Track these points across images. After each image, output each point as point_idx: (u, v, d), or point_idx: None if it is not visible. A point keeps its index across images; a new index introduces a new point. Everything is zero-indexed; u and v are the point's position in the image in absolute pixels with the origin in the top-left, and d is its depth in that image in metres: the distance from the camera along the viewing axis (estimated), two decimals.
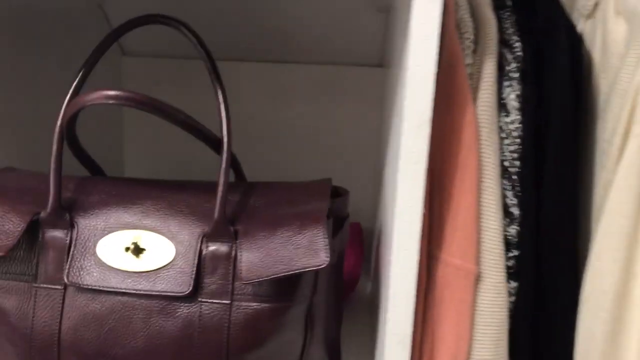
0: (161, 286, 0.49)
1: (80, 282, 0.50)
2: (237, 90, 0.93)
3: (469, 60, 0.43)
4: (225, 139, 0.51)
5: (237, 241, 0.50)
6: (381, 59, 0.93)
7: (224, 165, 0.51)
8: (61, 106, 0.52)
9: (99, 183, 0.55)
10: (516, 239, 0.46)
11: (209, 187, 0.55)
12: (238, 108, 0.90)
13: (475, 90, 0.43)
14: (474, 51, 0.44)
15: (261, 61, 0.93)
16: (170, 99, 0.96)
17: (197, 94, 0.95)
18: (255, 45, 0.90)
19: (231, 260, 0.50)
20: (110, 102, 0.44)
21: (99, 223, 0.52)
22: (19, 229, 0.49)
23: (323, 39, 0.89)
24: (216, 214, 0.50)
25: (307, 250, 0.47)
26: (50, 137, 0.50)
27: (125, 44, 0.92)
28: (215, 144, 0.52)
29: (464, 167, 0.42)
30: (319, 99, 0.95)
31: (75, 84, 0.52)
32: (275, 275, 0.47)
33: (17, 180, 0.55)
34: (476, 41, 0.44)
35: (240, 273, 0.48)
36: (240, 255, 0.49)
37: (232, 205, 0.52)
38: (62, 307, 0.50)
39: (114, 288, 0.49)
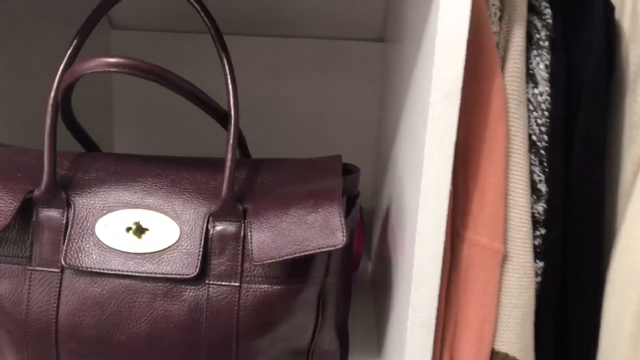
0: (165, 268, 0.46)
1: (78, 265, 0.46)
2: (235, 65, 0.89)
3: (495, 28, 0.40)
4: (232, 112, 0.48)
5: (246, 220, 0.47)
6: (382, 33, 0.90)
7: (231, 140, 0.48)
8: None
9: (97, 160, 0.51)
10: (543, 217, 0.44)
11: (214, 164, 0.52)
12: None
13: (502, 60, 0.40)
14: (500, 18, 0.41)
15: (259, 35, 0.89)
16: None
17: (188, 69, 0.91)
18: (253, 18, 0.86)
19: (240, 240, 0.47)
20: (112, 69, 0.41)
21: (97, 202, 0.48)
22: (11, 207, 0.46)
23: (323, 13, 0.86)
24: (224, 192, 0.47)
25: (323, 229, 0.45)
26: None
27: (114, 17, 0.88)
28: (221, 116, 0.49)
29: (492, 141, 0.39)
30: (318, 74, 0.92)
31: (68, 53, 0.48)
32: (289, 257, 0.44)
33: (6, 156, 0.51)
34: (502, 8, 0.41)
35: (251, 254, 0.45)
36: (250, 235, 0.46)
37: (240, 182, 0.50)
38: (59, 291, 0.47)
39: (115, 270, 0.46)
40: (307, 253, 0.44)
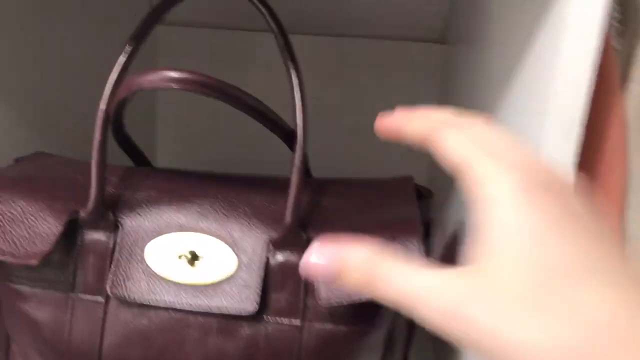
0: (221, 302, 0.42)
1: (125, 295, 0.42)
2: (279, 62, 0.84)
3: (616, 45, 0.35)
4: (300, 131, 0.43)
5: None
6: (443, 34, 0.84)
7: (297, 162, 0.43)
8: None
9: (147, 176, 0.47)
10: None
11: (275, 185, 0.47)
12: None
13: (623, 81, 0.35)
14: (622, 34, 0.35)
15: (314, 34, 0.84)
16: (208, 69, 0.89)
17: (235, 68, 0.87)
18: (309, 17, 0.81)
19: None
20: (176, 86, 0.36)
21: (147, 224, 0.44)
22: (55, 232, 0.42)
23: (380, 11, 0.80)
24: (287, 218, 0.42)
25: None
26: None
27: None
28: (287, 135, 0.44)
29: (608, 174, 0.33)
30: (372, 76, 0.86)
31: (122, 61, 0.43)
32: (361, 299, 0.39)
33: (50, 169, 0.47)
34: (625, 21, 0.35)
35: (318, 292, 0.40)
36: None
37: (303, 206, 0.44)
38: (104, 322, 0.43)
39: (165, 303, 0.42)
40: None
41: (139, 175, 0.47)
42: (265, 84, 0.84)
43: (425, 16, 0.81)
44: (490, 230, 0.22)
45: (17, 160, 0.51)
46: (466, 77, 0.66)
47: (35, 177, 0.46)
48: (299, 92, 0.43)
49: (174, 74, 0.36)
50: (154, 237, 0.43)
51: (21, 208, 0.43)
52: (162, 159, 0.91)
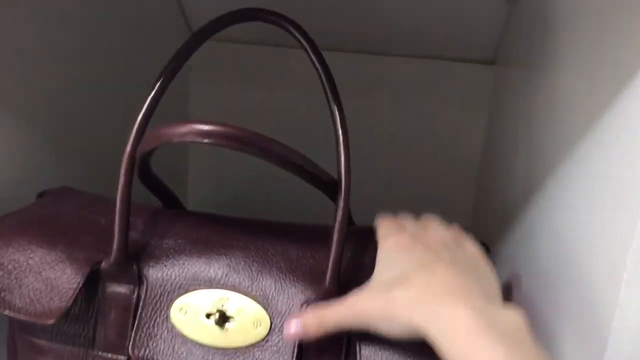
0: None
1: (148, 357, 0.38)
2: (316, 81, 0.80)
3: None
4: (343, 182, 0.38)
5: None
6: (494, 55, 0.78)
7: (339, 216, 0.38)
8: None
9: (175, 221, 0.43)
10: None
11: (314, 234, 0.43)
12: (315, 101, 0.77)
13: None
14: None
15: (356, 52, 0.79)
16: (240, 88, 0.86)
17: (272, 85, 0.83)
18: (352, 33, 0.76)
19: (343, 345, 0.38)
20: (205, 141, 0.32)
21: (174, 277, 0.40)
22: (75, 285, 0.38)
23: (428, 29, 0.75)
24: (328, 281, 0.38)
25: None
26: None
27: (194, 24, 0.80)
28: (328, 185, 0.39)
29: None
30: (416, 97, 0.81)
31: (149, 99, 0.40)
32: None
33: (72, 210, 0.44)
34: None
35: None
36: (358, 343, 0.37)
37: (344, 265, 0.40)
38: None
39: None
40: None
41: (167, 219, 0.43)
42: (299, 101, 0.80)
43: (475, 34, 0.75)
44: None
45: (40, 195, 0.48)
46: (522, 102, 0.60)
47: (56, 220, 0.42)
48: (342, 142, 0.39)
49: (203, 127, 0.32)
50: (181, 293, 0.40)
51: (39, 257, 0.39)
52: (193, 198, 0.87)
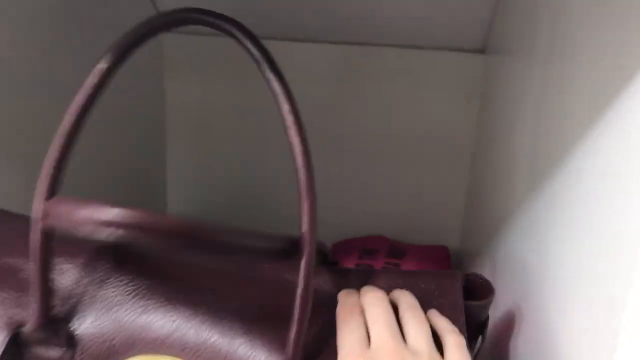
0: None
1: None
2: (302, 75, 0.73)
3: None
4: (307, 238, 0.32)
5: None
6: (483, 43, 0.72)
7: (302, 284, 0.32)
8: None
9: (117, 266, 0.37)
10: None
11: (276, 285, 0.37)
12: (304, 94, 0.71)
13: None
14: None
15: (341, 43, 0.72)
16: (220, 79, 0.79)
17: (252, 80, 0.76)
18: (337, 23, 0.69)
19: None
20: (104, 234, 0.25)
21: (112, 338, 0.35)
22: None
23: (414, 17, 0.68)
24: (289, 353, 0.32)
25: None
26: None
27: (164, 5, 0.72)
28: (290, 246, 0.33)
29: None
30: (401, 89, 0.75)
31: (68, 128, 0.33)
32: None
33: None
34: None
35: None
36: None
37: (309, 337, 0.34)
38: None
39: None
40: None
41: (106, 262, 0.37)
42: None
43: (463, 24, 0.68)
44: None
45: None
46: (522, 92, 0.55)
47: None
48: (305, 178, 0.33)
49: (99, 215, 0.25)
50: (119, 358, 0.34)
51: None
52: (172, 198, 0.82)
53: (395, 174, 0.78)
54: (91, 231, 0.26)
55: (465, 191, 0.77)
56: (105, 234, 0.25)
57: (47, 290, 0.33)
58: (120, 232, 0.25)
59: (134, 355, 0.34)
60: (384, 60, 0.73)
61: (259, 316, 0.35)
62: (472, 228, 0.72)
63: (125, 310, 0.35)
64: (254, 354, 0.33)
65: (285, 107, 0.32)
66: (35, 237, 0.31)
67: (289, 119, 0.32)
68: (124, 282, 0.36)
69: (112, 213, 0.25)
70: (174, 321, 0.35)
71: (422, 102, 0.75)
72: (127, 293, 0.36)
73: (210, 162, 0.80)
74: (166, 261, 0.38)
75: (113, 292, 0.36)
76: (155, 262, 0.38)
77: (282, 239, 0.31)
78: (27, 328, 0.33)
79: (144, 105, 0.74)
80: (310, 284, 0.31)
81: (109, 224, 0.25)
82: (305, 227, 0.31)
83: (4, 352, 0.33)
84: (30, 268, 0.32)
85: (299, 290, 0.31)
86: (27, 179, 0.42)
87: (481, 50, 0.73)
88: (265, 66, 0.33)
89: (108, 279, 0.37)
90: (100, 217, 0.25)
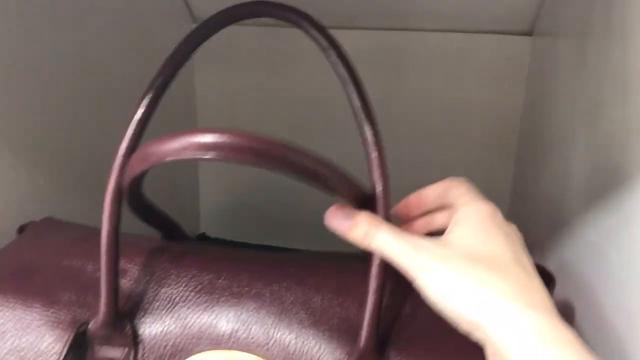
0: None
1: None
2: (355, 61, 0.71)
3: None
4: (380, 193, 0.31)
5: None
6: (531, 26, 0.69)
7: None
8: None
9: (176, 263, 0.36)
10: None
11: (342, 273, 0.35)
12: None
13: None
14: None
15: (383, 29, 0.71)
16: (249, 73, 0.78)
17: (285, 70, 0.75)
18: (380, 9, 0.68)
19: None
20: (207, 157, 0.25)
21: (174, 336, 0.33)
22: (56, 353, 0.32)
23: (458, 1, 0.66)
24: (363, 338, 0.31)
25: None
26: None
27: (196, 7, 0.72)
28: (362, 200, 0.31)
29: None
30: (449, 73, 0.73)
31: (144, 106, 0.32)
32: None
33: (54, 255, 0.37)
34: None
35: None
36: None
37: (381, 314, 0.33)
38: None
39: None
40: None
41: (165, 260, 0.36)
42: (312, 84, 0.72)
43: (512, 6, 0.66)
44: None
45: (19, 230, 0.41)
46: (566, 74, 0.52)
47: (32, 272, 0.36)
48: (375, 149, 0.31)
49: (202, 139, 0.24)
50: (183, 356, 0.33)
51: (12, 321, 0.33)
52: (204, 202, 0.81)
53: (440, 159, 0.76)
54: (190, 156, 0.25)
55: (512, 178, 0.75)
56: (204, 157, 0.25)
57: (114, 284, 0.32)
58: (218, 153, 0.25)
59: (199, 352, 0.33)
60: (430, 46, 0.71)
61: (323, 306, 0.33)
62: (519, 217, 0.69)
63: (189, 307, 0.34)
64: (323, 345, 0.32)
65: (353, 91, 0.31)
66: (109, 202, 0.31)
67: (357, 104, 0.31)
68: (185, 279, 0.35)
69: (209, 136, 0.25)
70: (239, 316, 0.33)
71: (468, 87, 0.73)
72: (189, 290, 0.35)
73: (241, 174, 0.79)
74: (224, 256, 0.37)
75: (175, 290, 0.35)
76: (213, 258, 0.37)
77: (360, 188, 0.30)
78: (93, 324, 0.33)
79: (174, 98, 0.73)
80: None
81: (207, 147, 0.25)
82: (378, 187, 0.30)
83: (69, 349, 0.32)
84: (102, 256, 0.31)
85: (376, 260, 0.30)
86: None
87: (529, 33, 0.70)
88: (332, 52, 0.32)
89: (168, 277, 0.36)
90: (198, 141, 0.25)
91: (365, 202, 0.31)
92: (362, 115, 0.31)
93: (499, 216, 0.31)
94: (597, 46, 0.44)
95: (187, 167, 0.77)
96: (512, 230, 0.31)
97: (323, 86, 0.72)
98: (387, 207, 0.31)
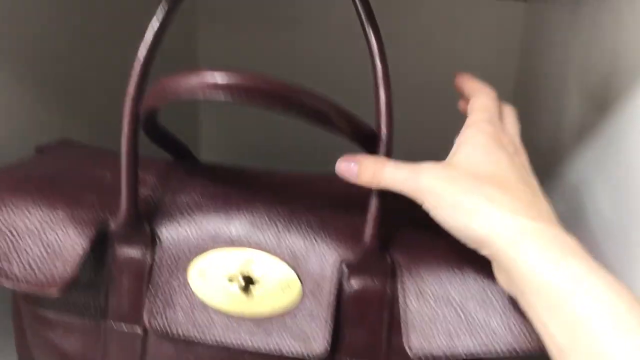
0: (281, 342, 0.33)
1: (166, 328, 0.34)
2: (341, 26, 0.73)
3: None
4: (383, 131, 0.33)
5: (398, 279, 0.33)
6: None
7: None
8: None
9: (190, 175, 0.38)
10: None
11: (349, 187, 0.38)
12: (335, 42, 0.71)
13: None
14: None
15: None
16: (252, 31, 0.79)
17: (281, 32, 0.76)
18: None
19: (386, 305, 0.33)
20: (221, 97, 0.27)
21: (191, 237, 0.36)
22: (80, 250, 0.34)
23: None
24: (367, 237, 0.33)
25: (518, 319, 0.30)
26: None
27: None
28: (366, 138, 0.34)
29: None
30: (443, 37, 0.75)
31: (155, 32, 0.34)
32: (468, 357, 0.30)
33: (74, 165, 0.39)
34: None
35: (408, 339, 0.32)
36: (406, 304, 0.33)
37: (386, 217, 0.35)
38: (143, 356, 0.36)
39: (213, 339, 0.34)
40: (496, 355, 0.30)
41: (180, 173, 0.39)
42: (317, 39, 0.74)
43: None
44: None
45: (38, 150, 0.43)
46: (560, 39, 0.54)
47: (55, 176, 0.38)
48: (382, 80, 0.33)
49: (218, 80, 0.26)
50: (199, 253, 0.35)
51: (39, 219, 0.35)
52: (206, 146, 0.83)
53: (431, 126, 0.78)
54: (201, 96, 0.27)
55: None
56: (216, 96, 0.27)
57: (134, 186, 0.34)
58: (228, 93, 0.27)
59: (210, 252, 0.35)
60: (426, 12, 0.73)
61: (332, 208, 0.36)
62: None
63: (204, 213, 0.36)
64: (330, 244, 0.34)
65: (370, 31, 0.34)
66: (128, 126, 0.33)
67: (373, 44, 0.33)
68: (199, 187, 0.37)
69: (219, 77, 0.26)
70: (252, 220, 0.36)
71: (464, 51, 0.75)
72: (204, 197, 0.37)
73: (242, 113, 0.81)
74: (236, 170, 0.39)
75: (189, 197, 0.37)
76: (226, 171, 0.39)
77: (366, 126, 0.32)
78: (114, 224, 0.35)
79: (176, 58, 0.75)
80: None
81: (217, 86, 0.27)
82: (383, 122, 0.32)
83: (92, 245, 0.34)
84: (123, 159, 0.33)
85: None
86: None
87: None
88: None
89: (183, 187, 0.38)
90: (209, 81, 0.27)
91: (370, 142, 0.33)
92: (376, 54, 0.33)
93: (503, 138, 0.33)
94: (589, 12, 0.46)
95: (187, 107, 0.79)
96: (518, 150, 0.33)
97: (326, 44, 0.74)
98: (390, 147, 0.33)
